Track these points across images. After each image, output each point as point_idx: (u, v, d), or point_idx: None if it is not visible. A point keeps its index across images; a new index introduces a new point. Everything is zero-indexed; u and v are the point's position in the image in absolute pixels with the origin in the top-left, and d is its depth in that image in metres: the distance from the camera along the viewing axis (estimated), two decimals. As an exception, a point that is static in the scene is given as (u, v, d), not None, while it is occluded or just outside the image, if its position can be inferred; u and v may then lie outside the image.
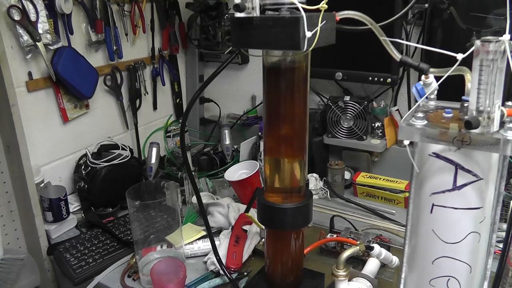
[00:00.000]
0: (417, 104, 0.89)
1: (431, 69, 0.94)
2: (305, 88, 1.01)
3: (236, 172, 1.81)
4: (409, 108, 1.83)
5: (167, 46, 2.19)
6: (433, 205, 0.85)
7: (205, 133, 2.39)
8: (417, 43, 1.77)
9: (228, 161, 2.08)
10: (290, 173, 1.08)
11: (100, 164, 1.74)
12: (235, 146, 2.15)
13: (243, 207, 1.64)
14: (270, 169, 1.10)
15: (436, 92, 1.20)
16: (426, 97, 1.16)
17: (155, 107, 2.20)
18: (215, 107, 2.35)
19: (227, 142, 2.08)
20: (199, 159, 2.10)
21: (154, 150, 1.90)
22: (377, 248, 1.18)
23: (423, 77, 1.14)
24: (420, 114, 0.82)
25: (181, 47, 2.28)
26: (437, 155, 0.84)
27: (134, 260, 1.42)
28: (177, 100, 2.31)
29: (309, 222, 1.12)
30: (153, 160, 1.88)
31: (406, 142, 0.85)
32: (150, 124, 2.20)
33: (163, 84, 2.19)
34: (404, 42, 1.69)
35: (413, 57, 1.76)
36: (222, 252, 1.41)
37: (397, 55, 0.97)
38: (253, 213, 1.54)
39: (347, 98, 1.89)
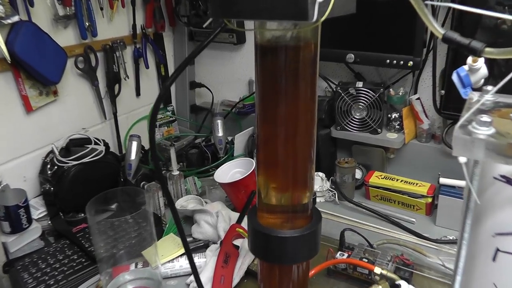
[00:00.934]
0: (479, 101, 0.61)
1: (488, 49, 0.64)
2: (312, 76, 0.74)
3: (229, 172, 1.55)
4: (434, 96, 1.55)
5: (151, 23, 1.90)
6: (497, 250, 0.59)
7: (196, 122, 2.12)
8: (444, 21, 1.49)
9: (220, 155, 1.81)
10: (292, 187, 0.81)
11: (68, 163, 1.47)
12: (230, 138, 1.89)
13: (235, 215, 1.38)
14: (265, 180, 0.82)
15: (483, 80, 0.92)
16: (472, 88, 0.89)
17: (138, 93, 1.93)
18: (208, 93, 2.07)
19: (220, 134, 1.81)
20: (187, 152, 1.83)
21: (134, 144, 1.63)
22: (404, 286, 0.91)
23: (469, 60, 0.86)
24: (486, 118, 0.55)
25: (168, 25, 2.00)
26: (508, 180, 0.56)
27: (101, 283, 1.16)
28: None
29: (317, 252, 0.85)
30: (133, 156, 1.61)
31: (463, 160, 0.58)
32: (132, 113, 1.93)
33: (147, 67, 1.91)
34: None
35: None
36: (208, 274, 1.16)
37: (438, 29, 0.68)
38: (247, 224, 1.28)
39: (359, 84, 1.61)
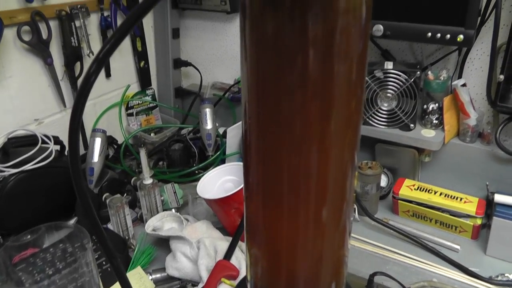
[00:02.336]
0: None
1: None
2: (360, 59, 0.37)
3: (217, 180, 1.19)
4: (488, 83, 1.17)
5: (124, -16, 1.51)
6: None
7: (181, 110, 1.74)
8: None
9: (209, 154, 1.44)
10: (318, 267, 0.45)
11: (5, 171, 1.11)
12: (221, 130, 1.52)
13: (223, 245, 1.02)
14: (258, 253, 0.46)
15: None
16: None
17: (108, 74, 1.55)
18: (196, 74, 1.70)
19: (209, 126, 1.44)
20: (169, 149, 1.46)
21: (98, 141, 1.27)
22: None
23: None
24: None
25: (146, -13, 1.60)
26: None
27: None
28: (141, 64, 1.65)
29: None
30: (95, 157, 1.25)
31: None
32: (101, 99, 1.55)
33: (118, 41, 1.52)
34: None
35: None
36: None
37: None
38: (239, 258, 0.94)
39: (389, 65, 1.24)
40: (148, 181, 1.17)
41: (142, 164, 1.15)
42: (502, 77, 1.11)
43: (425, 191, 1.22)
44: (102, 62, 0.45)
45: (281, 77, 0.34)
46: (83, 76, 0.44)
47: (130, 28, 0.46)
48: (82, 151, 1.43)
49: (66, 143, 1.29)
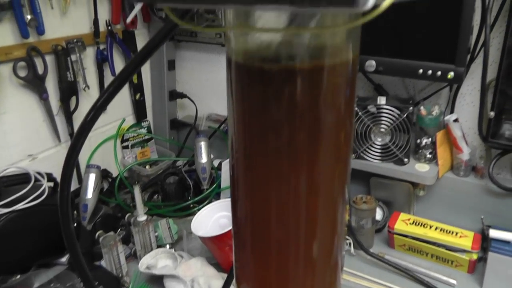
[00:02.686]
0: None
1: None
2: (346, 118, 0.38)
3: (211, 217, 1.19)
4: (480, 119, 1.18)
5: (119, 17, 1.52)
6: None
7: (177, 143, 1.75)
8: (499, 13, 1.12)
9: (204, 187, 1.44)
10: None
11: (-3, 208, 1.11)
12: (216, 162, 1.52)
13: (217, 284, 1.01)
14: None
15: None
16: None
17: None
18: (192, 105, 1.70)
19: (203, 160, 1.44)
20: (164, 182, 1.46)
21: (92, 177, 1.26)
22: None
23: None
24: None
25: (141, 20, 1.62)
26: None
27: None
28: (137, 96, 1.66)
29: None
30: (89, 193, 1.24)
31: None
32: (96, 132, 1.55)
33: (113, 74, 1.53)
34: None
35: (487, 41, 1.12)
36: None
37: None
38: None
39: (381, 100, 1.25)
40: (142, 218, 1.17)
41: (136, 201, 1.15)
42: (492, 113, 1.12)
43: (421, 226, 1.22)
44: (99, 110, 0.46)
45: (268, 112, 0.35)
46: (78, 128, 0.45)
47: (128, 76, 0.47)
48: (76, 185, 1.43)
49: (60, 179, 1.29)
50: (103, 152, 1.57)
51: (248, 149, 0.38)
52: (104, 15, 1.49)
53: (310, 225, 0.39)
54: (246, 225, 0.42)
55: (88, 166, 1.29)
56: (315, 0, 0.25)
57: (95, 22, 1.46)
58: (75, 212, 1.26)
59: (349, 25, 0.31)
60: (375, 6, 0.27)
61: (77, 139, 0.45)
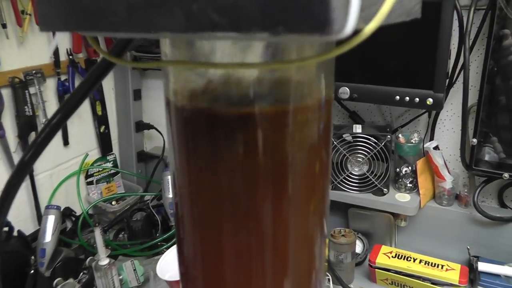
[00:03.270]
0: None
1: None
2: (324, 152, 0.31)
3: (180, 259, 1.09)
4: (462, 146, 1.13)
5: (81, 46, 1.45)
6: None
7: (145, 177, 1.66)
8: (477, 36, 1.08)
9: (172, 224, 1.36)
10: None
11: None
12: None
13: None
14: None
15: None
16: None
17: (65, 142, 1.46)
18: (159, 136, 1.62)
19: (171, 195, 1.34)
20: (130, 220, 1.37)
21: (51, 219, 1.17)
22: None
23: None
24: None
25: (105, 48, 1.54)
26: None
27: None
28: (102, 128, 1.57)
29: None
30: (47, 236, 1.15)
31: None
32: (58, 169, 1.45)
33: (76, 106, 1.44)
34: None
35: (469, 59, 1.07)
36: None
37: None
38: None
39: (357, 128, 1.19)
40: (104, 261, 1.07)
41: (97, 244, 1.05)
42: (475, 140, 1.07)
43: (404, 259, 1.15)
44: (26, 167, 0.39)
45: (220, 156, 0.29)
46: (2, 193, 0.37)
47: (57, 128, 0.39)
48: (36, 226, 1.32)
49: (15, 223, 1.19)
50: (66, 190, 1.47)
51: (195, 192, 0.31)
52: (65, 43, 1.41)
53: (280, 268, 0.33)
54: (196, 271, 0.35)
55: (47, 207, 1.19)
56: (268, 25, 0.18)
57: (55, 51, 1.37)
58: (32, 257, 1.15)
59: (320, 57, 0.24)
60: (355, 32, 0.20)
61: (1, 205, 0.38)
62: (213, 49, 0.26)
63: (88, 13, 0.24)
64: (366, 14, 0.20)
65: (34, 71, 1.32)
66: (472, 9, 1.03)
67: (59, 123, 0.38)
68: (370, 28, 0.20)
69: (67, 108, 0.37)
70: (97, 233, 1.05)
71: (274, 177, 0.29)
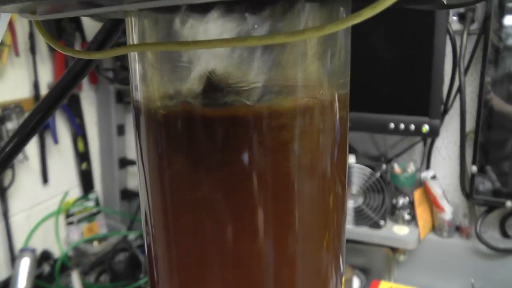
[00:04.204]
0: None
1: None
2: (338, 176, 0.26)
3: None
4: (461, 175, 1.08)
5: (62, 81, 1.39)
6: None
7: (129, 215, 1.58)
8: (471, 61, 1.05)
9: (159, 265, 1.27)
10: None
11: None
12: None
13: None
14: None
15: None
16: None
17: (45, 180, 1.38)
18: (144, 173, 1.56)
19: (157, 233, 1.28)
20: (112, 261, 1.29)
21: (26, 263, 1.10)
22: None
23: None
24: None
25: (88, 82, 1.49)
26: None
27: None
28: (84, 165, 1.50)
29: None
30: (21, 283, 1.08)
31: None
32: (36, 209, 1.37)
33: (55, 142, 1.38)
34: None
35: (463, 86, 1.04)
36: None
37: None
38: None
39: (351, 158, 1.14)
40: (84, 307, 0.99)
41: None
42: (475, 168, 1.03)
43: (405, 296, 1.08)
44: None
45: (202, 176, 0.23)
46: None
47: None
48: (10, 272, 1.23)
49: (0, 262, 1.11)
50: (44, 231, 1.39)
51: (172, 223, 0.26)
52: (46, 76, 1.36)
53: None
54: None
55: (22, 251, 1.11)
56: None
57: (36, 84, 1.32)
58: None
59: (330, 28, 0.19)
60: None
61: None
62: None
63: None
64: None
65: (12, 106, 1.26)
66: (465, 33, 1.01)
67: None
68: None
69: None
70: (75, 277, 0.98)
71: (275, 201, 0.24)
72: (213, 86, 0.22)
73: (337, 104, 0.25)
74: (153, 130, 0.24)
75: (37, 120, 0.33)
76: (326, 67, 0.24)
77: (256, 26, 0.21)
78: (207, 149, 0.22)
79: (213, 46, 0.19)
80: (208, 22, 0.21)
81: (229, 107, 0.22)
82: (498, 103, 0.99)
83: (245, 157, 0.22)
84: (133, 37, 0.24)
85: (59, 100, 0.33)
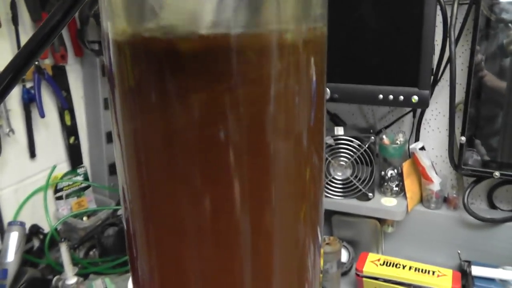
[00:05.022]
0: None
1: None
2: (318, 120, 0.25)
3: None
4: (450, 146, 1.08)
5: (47, 52, 1.37)
6: None
7: (118, 190, 1.57)
8: (461, 31, 1.04)
9: (148, 238, 1.27)
10: None
11: None
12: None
13: None
14: None
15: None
16: None
17: (32, 154, 1.37)
18: (133, 147, 1.55)
19: (146, 207, 1.27)
20: (101, 236, 1.29)
21: (14, 236, 1.08)
22: None
23: None
24: None
25: (73, 54, 1.47)
26: None
27: None
28: (71, 140, 1.49)
29: None
30: (10, 256, 1.06)
31: None
32: (24, 183, 1.36)
33: (42, 116, 1.36)
34: None
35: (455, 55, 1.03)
36: None
37: None
38: None
39: (339, 131, 1.14)
40: (72, 280, 0.99)
41: (64, 261, 0.97)
42: (463, 138, 1.03)
43: (392, 266, 1.09)
44: None
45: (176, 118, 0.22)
46: None
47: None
48: (-1, 246, 1.23)
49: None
50: (33, 206, 1.38)
51: (151, 186, 0.25)
52: (29, 50, 1.33)
53: (264, 277, 0.26)
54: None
55: (10, 224, 1.10)
56: None
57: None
58: (-7, 278, 1.06)
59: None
60: None
61: None
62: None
63: None
64: None
65: (-5, 79, 1.24)
66: (456, 2, 0.99)
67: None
68: None
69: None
70: (63, 249, 0.97)
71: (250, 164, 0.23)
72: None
73: (313, 41, 0.24)
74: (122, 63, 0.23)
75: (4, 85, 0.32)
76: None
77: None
78: (176, 86, 0.21)
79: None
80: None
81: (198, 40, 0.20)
82: (490, 78, 0.99)
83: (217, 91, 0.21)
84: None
85: (26, 65, 0.32)
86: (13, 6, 1.23)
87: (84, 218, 1.44)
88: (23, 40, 1.29)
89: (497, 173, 1.01)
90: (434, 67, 1.07)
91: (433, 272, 1.05)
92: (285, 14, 0.22)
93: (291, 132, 0.24)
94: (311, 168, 0.26)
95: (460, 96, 1.06)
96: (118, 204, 1.50)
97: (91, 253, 1.31)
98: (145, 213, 0.26)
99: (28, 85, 1.33)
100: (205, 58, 0.20)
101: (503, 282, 0.97)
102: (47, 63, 1.39)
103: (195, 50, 0.20)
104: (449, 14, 1.01)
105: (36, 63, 1.34)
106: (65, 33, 1.39)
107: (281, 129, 0.23)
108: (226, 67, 0.20)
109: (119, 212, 1.47)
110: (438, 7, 1.00)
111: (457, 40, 1.05)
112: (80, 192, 1.50)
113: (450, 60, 1.01)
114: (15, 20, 1.25)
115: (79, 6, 0.29)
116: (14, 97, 1.31)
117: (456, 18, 1.01)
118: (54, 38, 0.30)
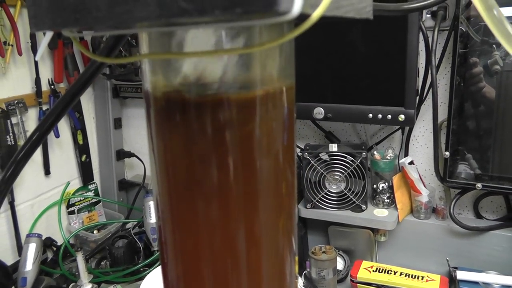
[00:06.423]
0: None
1: None
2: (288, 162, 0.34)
3: (161, 281, 1.09)
4: (435, 160, 1.17)
5: (62, 76, 1.47)
6: None
7: (126, 205, 1.66)
8: (444, 53, 1.14)
9: (154, 249, 1.36)
10: None
11: None
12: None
13: None
14: None
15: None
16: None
17: (47, 172, 1.46)
18: (140, 164, 1.64)
19: (153, 220, 1.36)
20: (111, 247, 1.37)
21: (32, 247, 1.17)
22: None
23: None
24: None
25: (85, 79, 1.56)
26: None
27: None
28: (83, 157, 1.58)
29: None
30: (29, 265, 1.14)
31: None
32: (39, 199, 1.45)
33: (57, 136, 1.46)
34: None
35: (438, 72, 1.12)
36: None
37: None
38: None
39: (333, 147, 1.22)
40: (87, 286, 1.07)
41: (80, 269, 1.06)
42: (447, 153, 1.11)
43: (384, 272, 1.17)
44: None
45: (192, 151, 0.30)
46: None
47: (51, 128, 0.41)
48: (16, 257, 1.31)
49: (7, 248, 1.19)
50: (48, 220, 1.47)
51: (174, 199, 0.33)
52: (46, 74, 1.43)
53: (254, 282, 0.34)
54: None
55: (28, 236, 1.19)
56: (227, 7, 0.21)
57: (37, 81, 1.39)
58: (13, 287, 1.15)
59: (277, 41, 0.27)
60: (304, 16, 0.23)
61: None
62: (183, 41, 0.29)
63: (73, 10, 0.26)
64: (313, 1, 0.23)
65: (16, 101, 1.34)
66: (436, 29, 1.09)
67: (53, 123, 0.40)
68: (317, 14, 0.23)
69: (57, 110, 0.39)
70: (79, 258, 1.05)
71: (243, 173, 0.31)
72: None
73: (285, 92, 0.32)
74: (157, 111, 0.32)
75: (54, 117, 0.40)
76: (276, 62, 0.31)
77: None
78: (194, 130, 0.30)
79: (194, 55, 0.27)
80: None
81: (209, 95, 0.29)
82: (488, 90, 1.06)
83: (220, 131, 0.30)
84: (144, 46, 0.31)
85: (74, 98, 0.40)
86: (32, 37, 1.33)
87: (95, 231, 1.52)
88: (41, 67, 1.39)
89: (479, 185, 1.09)
90: (419, 88, 1.16)
91: (422, 278, 1.13)
92: (269, 77, 0.30)
93: (271, 150, 0.32)
94: (286, 182, 0.34)
95: (444, 114, 1.15)
96: (127, 218, 1.58)
97: (102, 263, 1.39)
98: (170, 222, 0.34)
99: (45, 107, 1.43)
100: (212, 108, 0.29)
101: (486, 285, 1.05)
102: (61, 86, 1.49)
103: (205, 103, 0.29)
104: (430, 40, 1.10)
105: (52, 87, 1.44)
106: (78, 58, 1.49)
107: (264, 148, 0.32)
108: (225, 113, 0.29)
109: (127, 225, 1.55)
110: (421, 34, 1.10)
111: (439, 63, 1.14)
112: (90, 207, 1.58)
113: (432, 84, 1.10)
114: (34, 48, 1.35)
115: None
116: (31, 118, 1.41)
117: (439, 43, 1.11)
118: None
